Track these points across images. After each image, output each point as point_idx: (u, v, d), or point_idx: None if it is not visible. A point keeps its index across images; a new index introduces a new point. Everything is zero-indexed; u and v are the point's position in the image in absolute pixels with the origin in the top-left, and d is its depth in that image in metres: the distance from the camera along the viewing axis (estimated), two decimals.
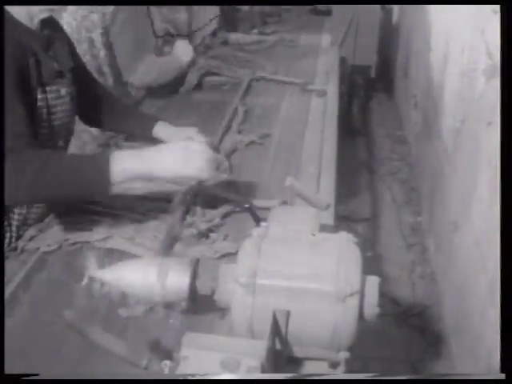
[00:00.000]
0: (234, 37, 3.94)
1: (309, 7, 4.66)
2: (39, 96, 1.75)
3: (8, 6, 1.70)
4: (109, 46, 2.87)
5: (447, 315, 2.86)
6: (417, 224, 3.64)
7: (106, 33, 2.81)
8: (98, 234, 1.81)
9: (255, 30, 4.17)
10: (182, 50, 3.15)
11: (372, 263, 3.21)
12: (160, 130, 2.16)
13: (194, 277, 1.22)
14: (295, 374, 1.14)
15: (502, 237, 1.84)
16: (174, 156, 1.63)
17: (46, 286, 1.66)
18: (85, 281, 1.29)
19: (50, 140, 1.80)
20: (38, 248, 1.78)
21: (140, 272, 1.26)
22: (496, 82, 2.33)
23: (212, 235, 1.77)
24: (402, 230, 3.59)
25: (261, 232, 1.18)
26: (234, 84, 3.13)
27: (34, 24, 1.78)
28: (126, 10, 2.81)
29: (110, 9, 2.75)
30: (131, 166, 1.58)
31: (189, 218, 1.84)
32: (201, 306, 1.26)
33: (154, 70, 3.01)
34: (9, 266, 1.70)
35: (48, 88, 1.78)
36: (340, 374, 1.13)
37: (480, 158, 2.47)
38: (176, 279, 1.23)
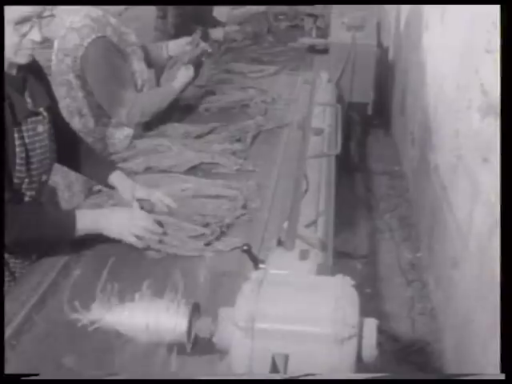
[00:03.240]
0: (237, 65, 4.16)
1: (306, 46, 4.71)
2: (16, 135, 1.87)
3: (7, 5, 1.78)
4: (85, 88, 2.88)
5: (448, 351, 2.85)
6: (416, 260, 3.64)
7: (80, 76, 2.83)
8: None
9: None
10: (183, 75, 3.12)
11: (371, 300, 3.20)
12: (115, 180, 2.34)
13: (193, 320, 1.23)
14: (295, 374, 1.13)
15: (501, 272, 1.85)
16: (115, 223, 2.02)
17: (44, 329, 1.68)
18: (83, 323, 1.30)
19: (24, 178, 1.95)
20: None
21: (139, 314, 1.27)
22: (491, 119, 2.35)
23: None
24: (401, 267, 3.59)
25: (259, 275, 1.19)
26: (242, 106, 3.42)
27: (9, 66, 1.88)
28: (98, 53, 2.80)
29: (80, 52, 2.77)
30: (85, 226, 1.98)
31: (202, 219, 2.20)
32: (200, 348, 1.26)
33: (140, 105, 2.95)
34: None
35: (24, 127, 1.90)
36: (340, 374, 1.12)
37: (477, 194, 2.49)
38: (175, 322, 1.23)
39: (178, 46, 3.35)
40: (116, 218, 2.04)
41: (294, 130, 3.03)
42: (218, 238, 2.11)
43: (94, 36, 2.77)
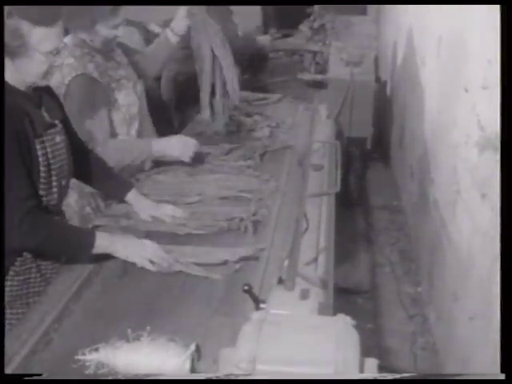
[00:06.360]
0: (243, 94, 4.24)
1: (305, 81, 4.77)
2: (38, 146, 2.12)
3: (7, 5, 1.97)
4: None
5: None
6: (417, 294, 3.63)
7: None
8: None
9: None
10: (180, 148, 3.05)
11: (372, 335, 3.20)
12: (132, 198, 2.61)
13: (195, 360, 1.23)
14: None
15: (502, 307, 1.85)
16: (129, 248, 2.22)
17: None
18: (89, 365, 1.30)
19: (49, 183, 2.18)
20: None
21: (142, 354, 1.27)
22: (489, 155, 2.37)
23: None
24: (402, 301, 3.58)
25: (260, 316, 1.20)
26: (249, 130, 3.67)
27: (24, 86, 2.13)
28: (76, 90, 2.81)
29: (62, 90, 2.78)
30: (102, 246, 2.18)
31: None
32: None
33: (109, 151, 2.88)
34: None
35: (44, 138, 2.16)
36: (340, 374, 1.11)
37: (476, 229, 2.50)
38: (177, 362, 1.24)
39: (180, 23, 3.32)
40: (129, 244, 2.26)
41: (294, 166, 3.06)
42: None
43: (73, 74, 2.79)
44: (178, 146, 3.04)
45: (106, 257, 2.22)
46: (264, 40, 5.25)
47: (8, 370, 1.67)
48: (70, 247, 2.23)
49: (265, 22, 6.92)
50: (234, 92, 3.46)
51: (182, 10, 3.31)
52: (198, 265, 2.21)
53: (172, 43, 3.37)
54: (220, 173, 2.99)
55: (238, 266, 2.20)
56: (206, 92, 3.45)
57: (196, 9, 3.30)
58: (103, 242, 2.19)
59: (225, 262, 2.22)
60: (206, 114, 3.52)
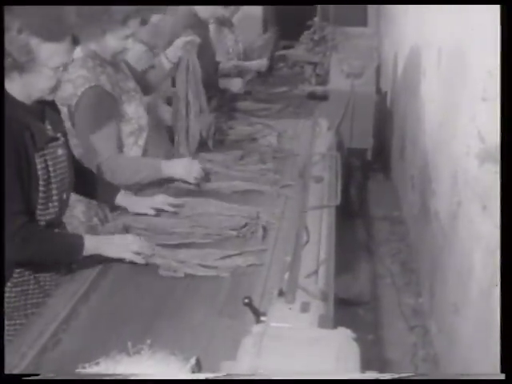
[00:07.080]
0: (244, 104, 4.36)
1: (306, 92, 4.76)
2: (38, 160, 2.11)
3: (7, 5, 1.97)
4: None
5: None
6: (418, 305, 3.63)
7: (73, 124, 2.82)
8: None
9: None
10: (185, 169, 3.01)
11: (373, 346, 3.19)
12: (122, 200, 2.65)
13: (195, 373, 1.23)
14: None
15: (502, 317, 1.85)
16: (116, 245, 2.26)
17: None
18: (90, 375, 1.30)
19: (48, 197, 2.17)
20: None
21: (142, 368, 1.27)
22: (489, 166, 2.38)
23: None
24: (403, 312, 3.58)
25: (260, 329, 1.20)
26: (251, 139, 3.65)
27: (30, 100, 2.13)
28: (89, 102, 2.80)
29: (73, 101, 2.78)
30: (90, 248, 2.21)
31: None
32: None
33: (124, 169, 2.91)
34: None
35: (46, 151, 2.15)
36: (340, 374, 1.11)
37: (477, 240, 2.50)
38: (177, 374, 1.24)
39: (177, 50, 3.36)
40: (115, 241, 2.31)
41: (295, 176, 3.06)
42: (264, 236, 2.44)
43: (87, 85, 2.79)
44: (185, 167, 3.01)
45: (97, 258, 2.26)
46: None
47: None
48: (62, 254, 2.27)
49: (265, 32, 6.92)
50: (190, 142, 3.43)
51: (180, 41, 3.36)
52: (204, 266, 2.23)
53: (165, 68, 3.42)
54: (239, 179, 3.02)
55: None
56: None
57: (192, 45, 3.34)
58: (92, 244, 2.23)
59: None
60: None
